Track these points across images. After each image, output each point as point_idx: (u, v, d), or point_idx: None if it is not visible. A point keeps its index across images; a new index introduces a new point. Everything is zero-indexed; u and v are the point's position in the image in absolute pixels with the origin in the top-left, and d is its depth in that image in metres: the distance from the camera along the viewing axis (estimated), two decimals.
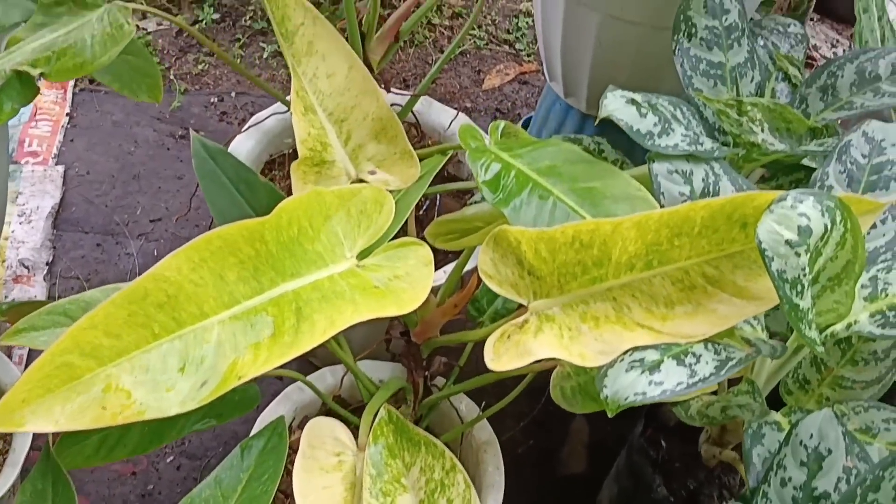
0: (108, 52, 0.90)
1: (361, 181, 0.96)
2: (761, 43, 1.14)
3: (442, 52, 1.98)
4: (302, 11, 0.97)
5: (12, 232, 1.42)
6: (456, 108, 1.85)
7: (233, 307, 0.71)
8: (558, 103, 1.47)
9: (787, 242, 0.68)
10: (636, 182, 0.84)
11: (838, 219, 0.71)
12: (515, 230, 0.79)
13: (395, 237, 0.87)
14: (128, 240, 1.48)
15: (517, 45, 2.01)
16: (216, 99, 1.75)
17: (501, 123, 0.96)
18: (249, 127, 1.24)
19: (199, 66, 1.82)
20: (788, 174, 1.01)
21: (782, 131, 1.02)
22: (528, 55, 1.98)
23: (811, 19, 2.21)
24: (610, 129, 1.42)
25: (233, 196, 1.01)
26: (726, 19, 1.05)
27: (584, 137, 1.24)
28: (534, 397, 1.33)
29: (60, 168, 1.56)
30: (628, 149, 1.44)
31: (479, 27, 2.04)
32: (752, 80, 1.05)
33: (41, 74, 0.89)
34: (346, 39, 1.02)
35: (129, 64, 1.00)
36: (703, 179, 0.87)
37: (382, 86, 1.25)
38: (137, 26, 1.91)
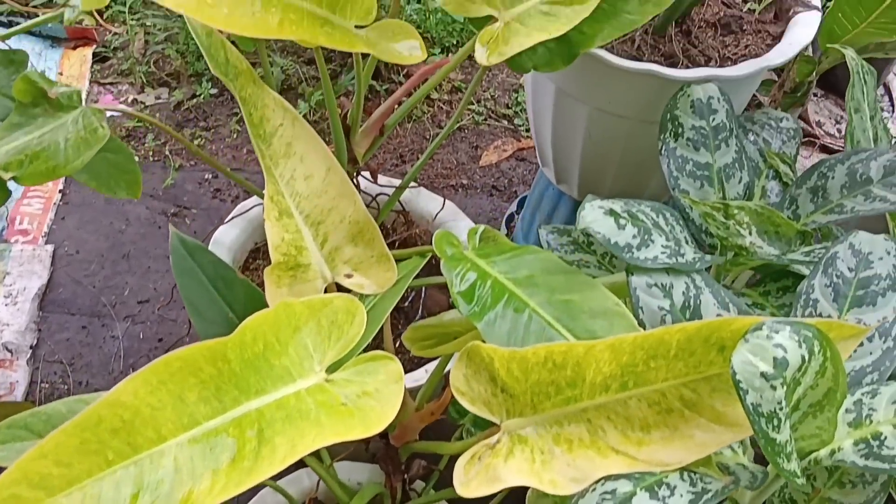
0: (80, 157, 0.89)
1: (337, 285, 0.94)
2: (752, 139, 1.13)
3: (440, 127, 1.97)
4: (281, 112, 0.96)
5: None
6: (452, 186, 1.85)
7: (192, 429, 0.69)
8: (551, 188, 1.46)
9: (763, 375, 0.66)
10: (614, 297, 0.82)
11: (817, 349, 0.68)
12: (488, 347, 0.77)
13: (372, 342, 0.85)
14: (114, 322, 1.47)
15: (516, 121, 2.00)
16: (210, 175, 1.75)
17: (480, 228, 0.94)
18: (234, 217, 1.23)
19: (195, 142, 1.82)
20: (776, 280, 0.99)
21: (771, 234, 1.00)
22: (527, 130, 1.98)
23: (815, 95, 2.20)
24: None
25: (210, 294, 0.99)
26: (714, 119, 1.04)
27: (573, 229, 1.22)
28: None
29: (50, 247, 1.55)
30: None
31: (478, 102, 2.04)
32: (740, 181, 1.03)
33: (14, 178, 0.88)
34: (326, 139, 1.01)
35: (107, 161, 0.99)
36: (683, 293, 0.85)
37: (369, 174, 1.24)
38: (135, 100, 1.92)
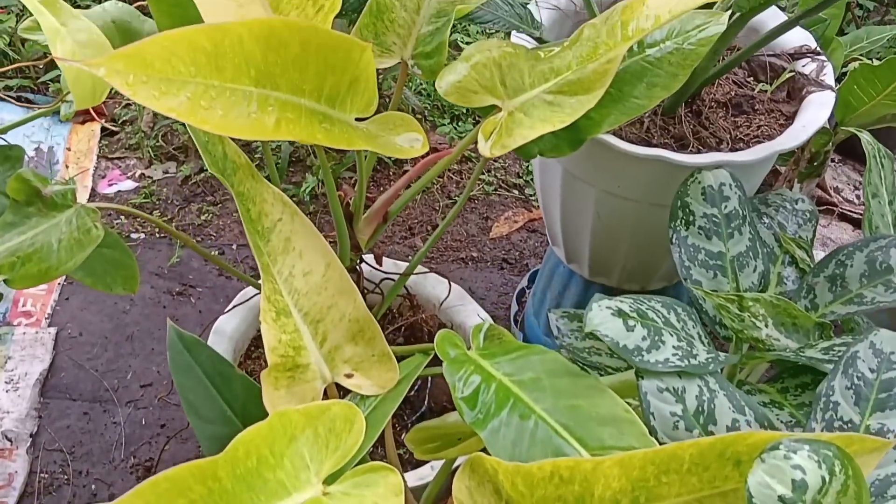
0: (73, 258, 0.87)
1: (337, 385, 0.91)
2: (766, 222, 1.10)
3: (450, 198, 1.95)
4: (280, 206, 0.94)
5: None
6: (462, 259, 1.82)
7: None
8: (562, 266, 1.42)
9: (781, 499, 0.62)
10: (623, 402, 0.79)
11: (837, 468, 0.64)
12: (492, 459, 0.73)
13: (374, 445, 0.82)
14: (116, 407, 1.44)
15: (527, 190, 1.98)
16: (217, 252, 1.73)
17: (485, 325, 0.91)
18: (235, 306, 1.21)
19: (203, 217, 1.81)
20: (795, 375, 0.95)
21: (788, 326, 0.96)
22: (538, 201, 1.95)
23: (832, 160, 2.17)
24: (614, 296, 1.37)
25: (208, 391, 0.97)
26: (726, 207, 1.01)
27: (584, 313, 1.19)
28: None
29: (52, 330, 1.53)
30: None
31: (489, 171, 2.02)
32: (754, 270, 1.00)
33: (5, 280, 0.86)
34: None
35: (103, 257, 0.97)
36: (696, 397, 0.81)
37: (372, 258, 1.22)
38: (143, 175, 1.91)
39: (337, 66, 0.85)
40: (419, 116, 2.13)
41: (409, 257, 1.81)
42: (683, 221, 1.00)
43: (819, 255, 1.80)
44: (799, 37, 1.23)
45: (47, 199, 0.89)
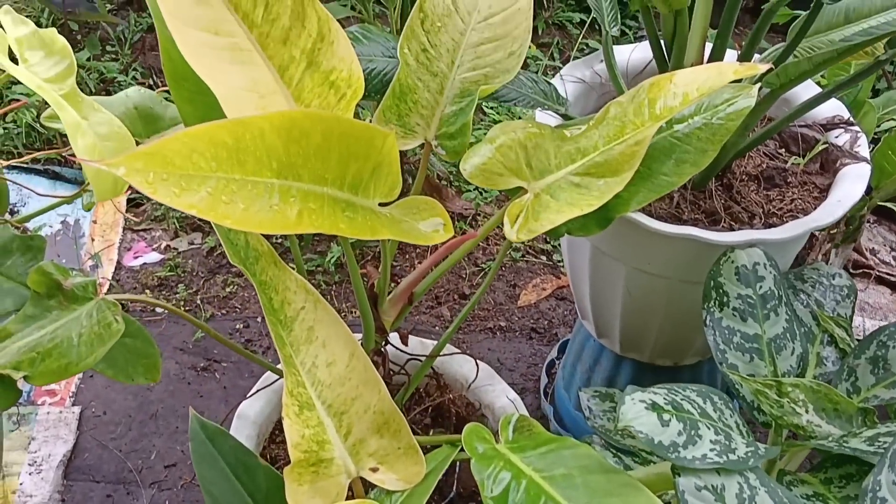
0: (94, 353, 0.85)
1: (362, 479, 0.88)
2: (803, 300, 1.06)
3: (477, 265, 1.93)
4: (303, 294, 0.92)
5: (21, 484, 1.37)
6: (490, 329, 1.80)
7: None
8: (592, 339, 1.39)
9: None
10: (658, 501, 0.75)
11: None
12: None
13: None
14: (140, 489, 1.41)
15: (555, 256, 1.95)
16: (241, 325, 1.72)
17: (514, 417, 0.88)
18: (258, 390, 1.19)
19: (228, 289, 1.80)
20: (839, 465, 0.91)
21: (829, 412, 0.92)
22: (567, 273, 1.93)
23: (868, 221, 2.13)
24: (647, 373, 1.34)
25: (230, 483, 0.95)
26: (761, 287, 0.98)
27: (615, 393, 1.16)
28: None
29: (76, 409, 1.52)
30: None
31: None
32: (792, 353, 0.96)
33: (25, 377, 0.85)
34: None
35: (125, 346, 0.96)
36: (737, 495, 0.77)
37: (399, 338, 1.19)
38: (168, 246, 1.91)
39: (360, 153, 0.84)
40: (444, 182, 2.13)
41: (436, 328, 1.79)
42: (717, 303, 0.97)
43: (858, 321, 1.76)
44: (831, 106, 1.20)
45: (68, 291, 0.88)
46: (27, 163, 2.03)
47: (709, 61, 1.15)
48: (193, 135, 0.72)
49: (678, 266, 1.09)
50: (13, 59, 0.85)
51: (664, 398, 0.82)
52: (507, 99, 1.11)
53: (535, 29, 2.94)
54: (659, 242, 1.06)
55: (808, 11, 1.09)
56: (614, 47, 1.28)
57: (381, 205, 0.89)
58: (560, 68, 2.66)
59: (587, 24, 2.78)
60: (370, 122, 1.06)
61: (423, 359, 1.17)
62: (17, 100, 2.15)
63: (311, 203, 0.80)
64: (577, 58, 2.70)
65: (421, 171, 1.06)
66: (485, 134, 2.25)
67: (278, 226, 0.78)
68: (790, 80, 0.98)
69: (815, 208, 1.11)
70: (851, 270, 1.87)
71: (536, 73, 2.68)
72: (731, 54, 1.23)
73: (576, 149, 0.95)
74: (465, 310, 1.08)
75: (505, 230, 0.92)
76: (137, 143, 1.01)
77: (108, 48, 2.54)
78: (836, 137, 1.17)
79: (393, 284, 1.10)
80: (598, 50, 1.30)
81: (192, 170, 0.72)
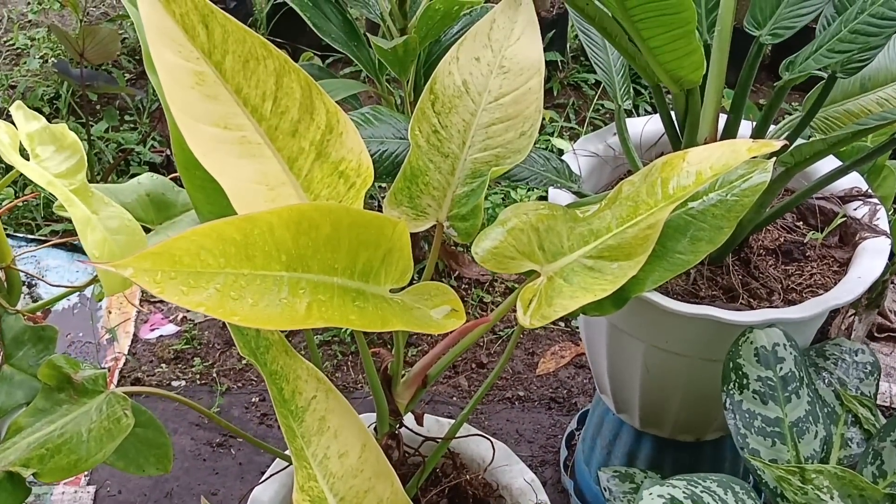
0: (103, 449, 0.84)
1: None
2: (825, 378, 1.04)
3: (494, 332, 1.91)
4: (315, 383, 0.91)
5: None
6: (508, 398, 1.77)
7: None
8: (611, 413, 1.37)
9: None
10: None
11: None
12: None
13: None
14: None
15: (573, 323, 1.93)
16: (258, 398, 1.70)
17: None
18: (271, 475, 1.17)
19: (244, 361, 1.79)
20: None
21: (855, 498, 0.90)
22: (584, 348, 1.91)
23: (892, 283, 2.10)
24: (668, 448, 1.31)
25: None
26: (781, 369, 0.96)
27: (636, 473, 1.14)
28: None
29: (91, 489, 1.50)
30: (692, 463, 1.33)
31: None
32: (815, 436, 0.94)
33: (34, 474, 0.84)
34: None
35: (136, 437, 0.94)
36: None
37: (413, 418, 1.18)
38: (185, 318, 1.90)
39: (370, 241, 0.83)
40: (460, 248, 2.12)
41: (454, 398, 1.77)
42: (737, 385, 0.95)
43: (885, 387, 1.72)
44: (849, 178, 1.19)
45: (78, 385, 0.88)
46: (46, 235, 2.04)
47: (723, 135, 1.14)
48: (202, 232, 0.72)
49: (697, 344, 1.08)
50: (24, 154, 0.85)
51: (683, 491, 0.80)
52: (519, 178, 1.11)
53: (549, 90, 2.95)
54: (676, 321, 1.05)
55: (823, 83, 1.08)
56: (627, 120, 1.28)
57: (392, 290, 0.89)
58: (575, 129, 2.67)
59: (602, 85, 2.80)
60: (383, 197, 1.06)
61: (439, 440, 1.15)
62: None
63: (321, 294, 0.79)
64: (594, 118, 2.71)
65: (433, 253, 1.05)
66: (498, 198, 2.24)
67: (287, 320, 0.77)
68: (805, 159, 0.97)
69: (835, 283, 1.09)
70: (876, 334, 1.83)
71: (552, 134, 2.68)
72: (745, 125, 1.23)
73: (588, 230, 0.94)
74: (478, 394, 1.07)
75: (518, 316, 0.91)
76: (149, 231, 1.01)
77: (127, 117, 2.57)
78: (855, 210, 1.15)
79: (406, 366, 1.09)
80: (613, 110, 1.29)
81: (200, 267, 0.72)
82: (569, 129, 2.67)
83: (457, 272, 2.10)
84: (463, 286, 2.04)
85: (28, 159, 0.86)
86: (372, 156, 1.09)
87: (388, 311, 0.85)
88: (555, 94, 2.81)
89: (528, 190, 2.31)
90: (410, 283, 0.91)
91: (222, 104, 0.81)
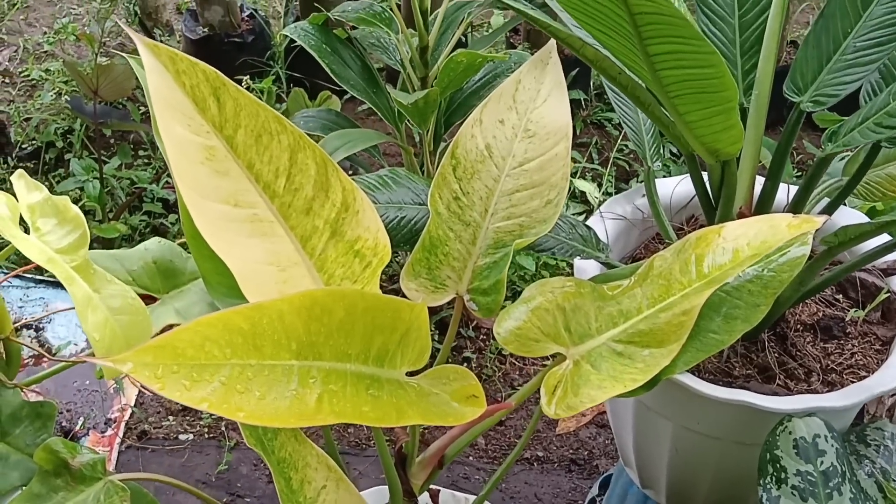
0: None
1: None
2: (867, 468, 0.98)
3: (513, 386, 1.86)
4: (325, 471, 0.86)
5: None
6: (526, 459, 1.71)
7: None
8: (635, 486, 1.31)
9: None
10: None
11: None
12: None
13: None
14: None
15: None
16: None
17: None
18: None
19: None
20: None
21: None
22: (608, 420, 1.85)
23: None
24: None
25: None
26: (822, 463, 0.89)
27: None
28: None
29: None
30: None
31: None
32: None
33: None
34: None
35: None
36: None
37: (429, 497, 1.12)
38: None
39: (386, 325, 0.78)
40: None
41: (470, 457, 1.71)
42: (774, 479, 0.89)
43: None
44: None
45: (75, 471, 0.83)
46: (54, 277, 2.00)
47: (758, 203, 1.08)
48: (207, 322, 0.68)
49: (730, 428, 1.02)
50: (24, 226, 0.81)
51: None
52: (544, 248, 1.05)
53: (573, 129, 2.90)
54: (708, 404, 0.99)
55: (867, 152, 1.03)
56: (657, 181, 1.23)
57: (409, 373, 0.84)
58: (598, 170, 2.61)
59: None
60: (398, 262, 1.00)
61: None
62: None
63: (333, 384, 0.74)
64: (617, 158, 2.65)
65: (451, 329, 1.00)
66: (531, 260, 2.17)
67: (295, 416, 0.71)
68: (850, 239, 0.91)
69: (878, 363, 1.03)
70: None
71: (575, 175, 2.62)
72: (781, 188, 1.16)
73: (618, 311, 0.88)
74: (495, 477, 1.01)
75: (542, 404, 0.85)
76: (155, 301, 0.96)
77: (141, 152, 2.54)
78: None
79: (422, 445, 1.04)
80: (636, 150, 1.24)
81: (204, 359, 0.67)
82: (591, 169, 2.62)
83: (475, 321, 2.05)
84: (481, 336, 1.98)
85: (28, 232, 0.81)
86: (390, 223, 1.04)
87: (404, 400, 0.79)
88: (578, 132, 2.76)
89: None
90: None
91: (233, 180, 0.76)
